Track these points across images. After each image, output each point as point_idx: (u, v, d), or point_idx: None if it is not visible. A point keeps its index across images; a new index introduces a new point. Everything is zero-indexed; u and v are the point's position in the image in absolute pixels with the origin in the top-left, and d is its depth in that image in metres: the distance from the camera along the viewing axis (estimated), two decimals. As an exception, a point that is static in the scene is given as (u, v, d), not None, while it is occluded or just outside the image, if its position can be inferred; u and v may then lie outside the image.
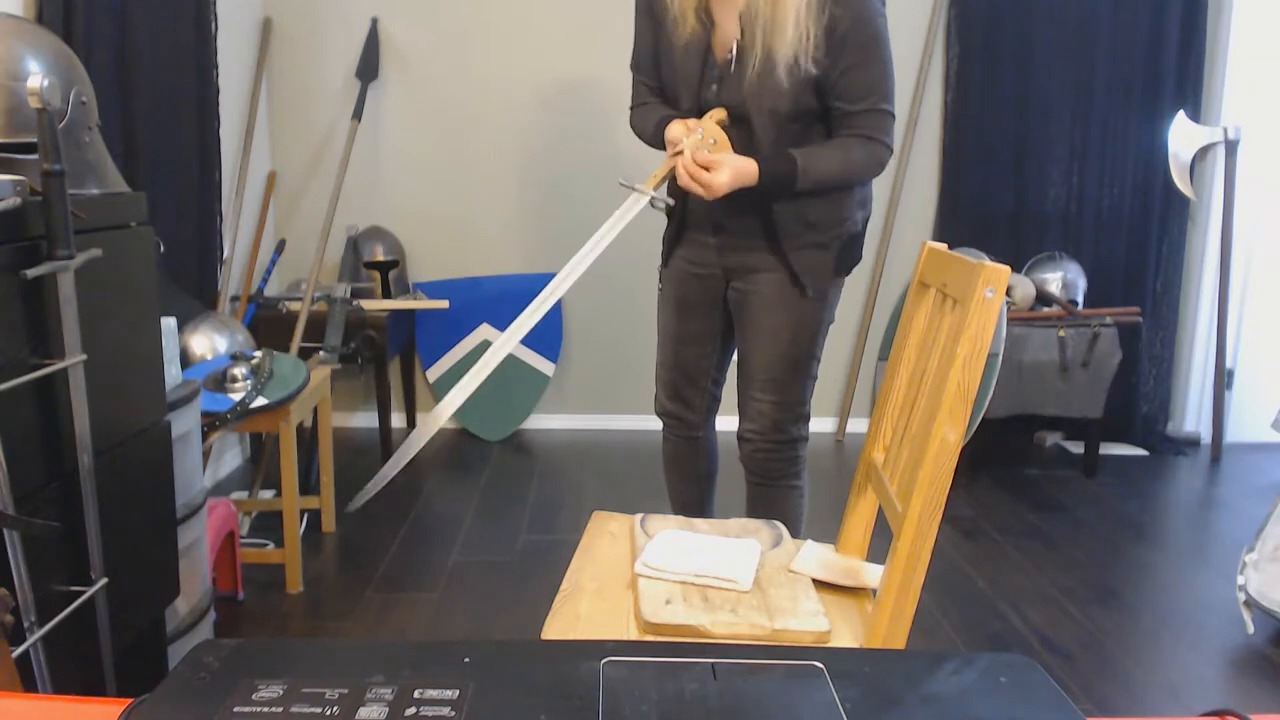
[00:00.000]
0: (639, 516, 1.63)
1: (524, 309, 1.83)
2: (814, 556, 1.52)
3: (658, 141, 1.91)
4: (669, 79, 1.92)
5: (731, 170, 1.74)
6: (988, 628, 2.32)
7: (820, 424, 3.97)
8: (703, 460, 2.15)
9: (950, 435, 1.19)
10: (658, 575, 1.41)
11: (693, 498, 2.18)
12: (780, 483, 2.00)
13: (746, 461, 2.01)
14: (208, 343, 2.63)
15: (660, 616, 1.31)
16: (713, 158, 1.75)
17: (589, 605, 1.40)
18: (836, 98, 1.78)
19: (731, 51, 1.81)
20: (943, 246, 1.44)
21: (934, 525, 1.22)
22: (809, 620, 1.31)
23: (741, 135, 1.83)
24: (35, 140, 1.35)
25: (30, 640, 1.25)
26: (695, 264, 1.99)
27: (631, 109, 2.02)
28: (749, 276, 1.93)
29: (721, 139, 1.82)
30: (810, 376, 1.96)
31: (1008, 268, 1.18)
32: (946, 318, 1.30)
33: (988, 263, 1.18)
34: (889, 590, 1.23)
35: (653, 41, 1.94)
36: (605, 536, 1.63)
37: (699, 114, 1.87)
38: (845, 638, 1.32)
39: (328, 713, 0.60)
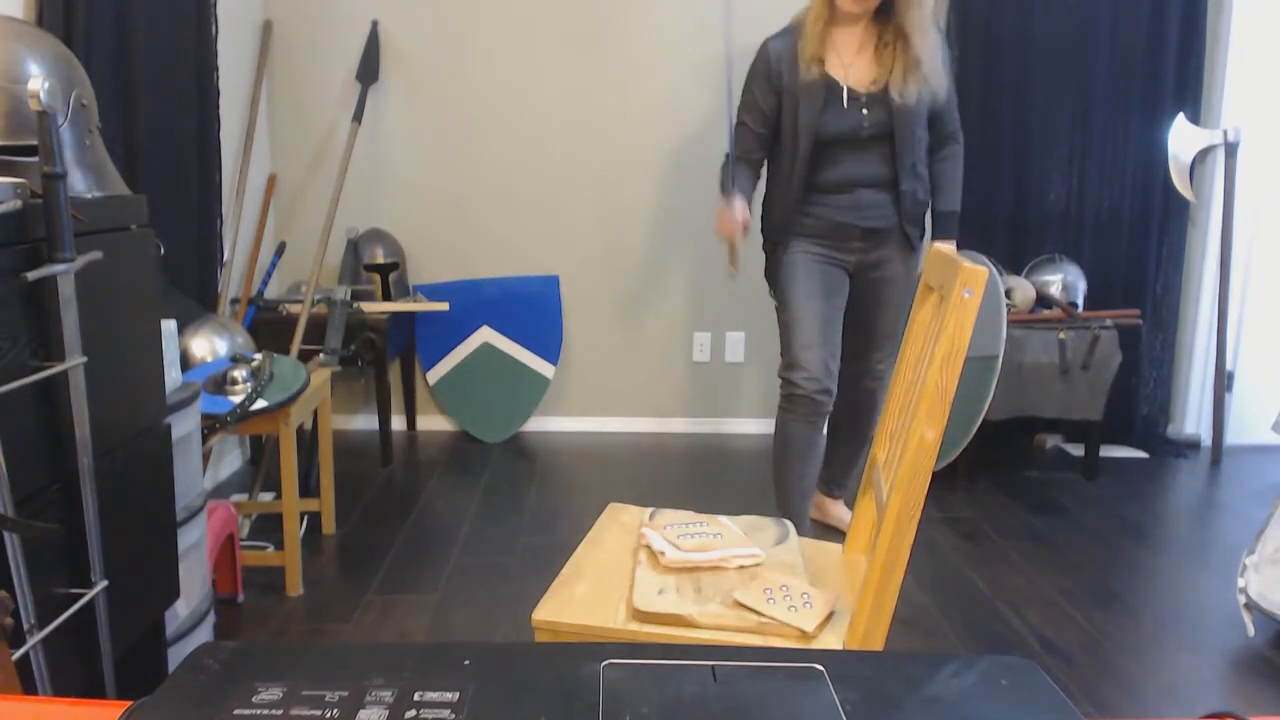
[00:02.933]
0: (649, 511, 1.67)
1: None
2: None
3: (725, 185, 2.50)
4: (793, 117, 2.44)
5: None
6: (988, 630, 2.32)
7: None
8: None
9: (929, 434, 1.20)
10: (686, 564, 1.44)
11: (810, 482, 2.57)
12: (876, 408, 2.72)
13: (867, 400, 2.70)
14: (208, 345, 2.63)
15: (651, 605, 1.33)
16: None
17: (585, 589, 1.43)
18: (939, 117, 2.53)
19: (876, 84, 2.40)
20: (951, 249, 1.45)
21: (913, 523, 1.24)
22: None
23: (883, 148, 2.44)
24: (36, 143, 1.35)
25: (30, 643, 1.25)
26: (827, 254, 2.55)
27: (737, 158, 2.52)
28: (881, 264, 2.57)
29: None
30: None
31: (985, 270, 1.18)
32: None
33: (965, 264, 1.19)
34: (868, 586, 1.26)
35: (771, 100, 2.47)
36: (616, 527, 1.65)
37: (814, 141, 2.41)
38: (831, 633, 1.33)
39: (328, 715, 0.60)
